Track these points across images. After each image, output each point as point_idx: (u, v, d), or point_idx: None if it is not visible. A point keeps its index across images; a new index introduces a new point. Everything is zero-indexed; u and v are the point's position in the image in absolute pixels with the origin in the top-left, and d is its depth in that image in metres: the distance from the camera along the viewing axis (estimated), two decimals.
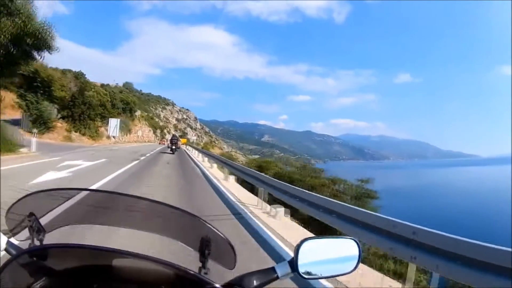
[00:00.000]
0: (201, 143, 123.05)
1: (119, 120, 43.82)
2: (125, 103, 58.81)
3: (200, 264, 1.00)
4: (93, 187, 7.61)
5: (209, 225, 1.04)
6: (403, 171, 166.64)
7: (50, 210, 1.06)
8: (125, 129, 54.26)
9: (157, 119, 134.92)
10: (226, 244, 1.03)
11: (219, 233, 1.03)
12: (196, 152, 32.05)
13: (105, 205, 1.11)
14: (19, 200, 1.02)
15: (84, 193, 1.11)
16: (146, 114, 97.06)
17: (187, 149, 42.02)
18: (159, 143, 62.46)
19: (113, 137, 43.61)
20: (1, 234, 0.93)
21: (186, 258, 1.17)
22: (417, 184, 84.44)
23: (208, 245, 1.00)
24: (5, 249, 0.93)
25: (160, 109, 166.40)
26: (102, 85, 61.82)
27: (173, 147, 27.80)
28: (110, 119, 42.56)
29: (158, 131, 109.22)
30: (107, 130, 42.43)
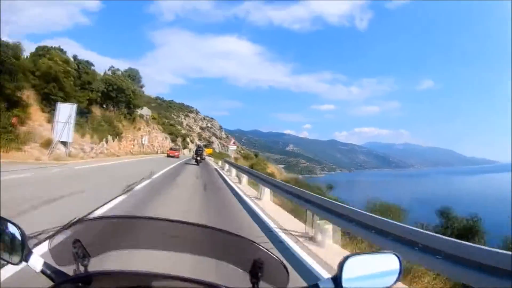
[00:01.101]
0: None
1: (75, 106, 20.44)
2: (119, 90, 35.29)
3: (250, 285, 1.00)
4: None
5: (261, 247, 1.02)
6: (430, 179, 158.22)
7: (95, 237, 1.07)
8: (106, 131, 30.55)
9: (179, 127, 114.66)
10: (279, 265, 1.00)
11: (272, 255, 1.01)
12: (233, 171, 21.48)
13: (150, 230, 1.11)
14: (64, 227, 1.02)
15: (128, 219, 1.14)
16: (159, 115, 72.48)
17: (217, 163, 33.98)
18: (167, 154, 42.94)
19: (62, 143, 20.13)
20: (36, 255, 0.94)
21: (236, 280, 1.08)
22: (450, 192, 78.42)
23: (261, 267, 0.99)
24: (43, 272, 0.94)
25: (183, 117, 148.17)
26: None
27: (198, 158, 26.35)
28: (58, 103, 19.38)
29: (180, 139, 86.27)
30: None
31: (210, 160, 42.91)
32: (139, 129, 43.82)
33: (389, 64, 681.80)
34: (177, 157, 40.48)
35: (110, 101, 34.78)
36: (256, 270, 0.98)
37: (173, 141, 79.00)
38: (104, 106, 34.16)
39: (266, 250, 1.00)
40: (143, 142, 43.34)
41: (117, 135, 33.11)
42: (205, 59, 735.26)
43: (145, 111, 51.46)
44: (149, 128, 50.12)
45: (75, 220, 1.06)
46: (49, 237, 1.02)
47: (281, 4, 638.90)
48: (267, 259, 1.00)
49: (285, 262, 1.00)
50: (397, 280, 0.98)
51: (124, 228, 1.12)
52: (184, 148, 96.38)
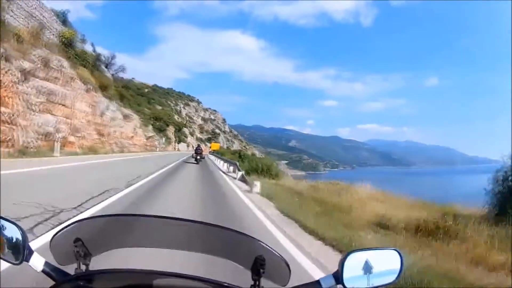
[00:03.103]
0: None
1: None
2: None
3: (252, 283, 0.96)
4: None
5: (263, 244, 0.98)
6: (438, 178, 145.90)
7: (96, 236, 1.04)
8: None
9: (176, 116, 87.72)
10: (281, 261, 0.97)
11: (274, 251, 0.97)
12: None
13: (150, 228, 1.06)
14: (65, 227, 0.99)
15: (129, 217, 1.09)
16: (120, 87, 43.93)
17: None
18: None
19: None
20: (37, 254, 0.92)
21: (237, 277, 1.08)
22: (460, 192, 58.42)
23: (262, 264, 0.95)
24: (44, 271, 0.92)
25: (182, 105, 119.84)
26: None
27: (198, 157, 24.66)
28: None
29: (171, 129, 58.71)
30: None
31: (217, 163, 30.15)
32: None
33: (394, 61, 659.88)
34: None
35: None
36: (257, 267, 0.95)
37: (160, 130, 50.97)
38: None
39: (267, 247, 0.97)
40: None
41: None
42: (209, 53, 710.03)
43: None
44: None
45: (76, 221, 1.02)
46: (52, 237, 0.99)
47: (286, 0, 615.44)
48: (268, 256, 0.96)
49: (286, 259, 0.97)
50: (399, 276, 0.95)
51: (125, 226, 1.06)
52: (180, 142, 69.52)
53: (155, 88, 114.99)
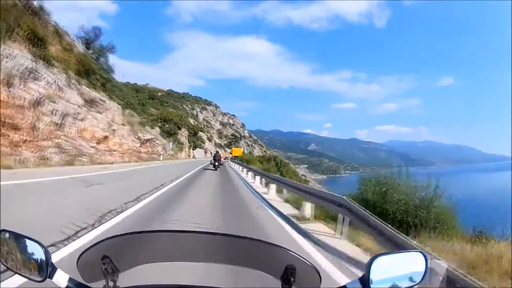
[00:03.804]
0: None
1: None
2: None
3: None
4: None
5: (293, 253, 0.97)
6: (460, 177, 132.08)
7: (123, 252, 1.02)
8: None
9: (192, 120, 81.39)
10: (312, 269, 0.96)
11: (304, 260, 0.96)
12: None
13: (179, 243, 1.06)
14: (92, 246, 0.98)
15: (155, 234, 1.08)
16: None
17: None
18: None
19: None
20: (60, 271, 0.89)
21: (267, 286, 1.05)
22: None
23: (293, 273, 0.94)
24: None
25: (199, 109, 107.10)
26: None
27: (216, 163, 23.36)
28: None
29: (184, 132, 45.24)
30: None
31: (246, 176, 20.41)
32: None
33: (408, 62, 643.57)
34: None
35: None
36: (288, 276, 0.94)
37: (169, 134, 37.62)
38: None
39: (298, 256, 0.96)
40: None
41: None
42: (224, 60, 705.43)
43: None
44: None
45: (103, 239, 1.00)
46: (80, 255, 0.98)
47: (299, 4, 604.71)
48: (299, 265, 0.95)
49: (317, 267, 0.98)
50: (423, 278, 0.93)
51: (152, 242, 1.05)
52: (195, 147, 55.91)
53: (170, 92, 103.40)
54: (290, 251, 0.97)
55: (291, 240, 5.31)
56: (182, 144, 43.83)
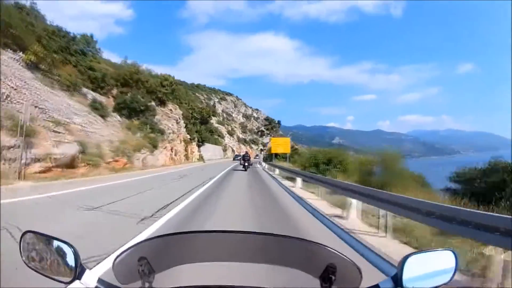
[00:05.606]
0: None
1: None
2: None
3: None
4: None
5: (334, 251, 0.93)
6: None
7: (159, 254, 1.00)
8: None
9: (198, 103, 49.28)
10: (353, 266, 0.91)
11: (345, 257, 0.92)
12: None
13: (216, 243, 1.02)
14: (129, 248, 0.95)
15: (191, 234, 1.05)
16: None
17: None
18: None
19: None
20: (89, 272, 0.86)
21: (306, 285, 1.01)
22: None
23: (334, 271, 0.91)
24: None
25: (217, 100, 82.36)
26: None
27: (246, 164, 22.52)
28: None
29: (176, 111, 19.32)
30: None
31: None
32: None
33: (426, 50, 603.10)
34: None
35: None
36: (328, 275, 0.90)
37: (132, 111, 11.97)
38: None
39: (339, 254, 0.92)
40: None
41: None
42: (243, 58, 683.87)
43: None
44: None
45: (139, 241, 0.98)
46: (116, 257, 0.93)
47: None
48: (340, 263, 0.91)
49: (358, 264, 0.91)
50: (453, 276, 0.91)
51: (189, 243, 1.02)
52: (202, 142, 32.54)
53: (180, 83, 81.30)
54: (333, 249, 0.91)
55: None
56: (163, 133, 20.98)
